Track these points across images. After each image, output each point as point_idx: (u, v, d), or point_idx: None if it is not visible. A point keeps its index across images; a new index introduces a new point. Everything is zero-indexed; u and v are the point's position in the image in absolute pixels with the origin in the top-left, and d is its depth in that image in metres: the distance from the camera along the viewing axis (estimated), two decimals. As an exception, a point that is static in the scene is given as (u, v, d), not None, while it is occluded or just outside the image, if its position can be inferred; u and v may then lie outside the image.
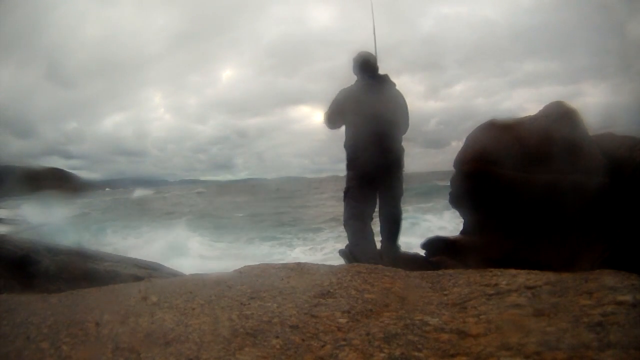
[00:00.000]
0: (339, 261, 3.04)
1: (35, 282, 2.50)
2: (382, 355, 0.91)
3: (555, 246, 2.37)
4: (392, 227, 2.72)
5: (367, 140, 2.52)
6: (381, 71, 2.75)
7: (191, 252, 8.75)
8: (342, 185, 2.71)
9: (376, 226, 2.80)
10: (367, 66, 2.67)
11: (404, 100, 2.71)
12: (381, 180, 2.62)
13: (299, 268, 1.82)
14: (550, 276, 1.28)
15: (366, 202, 2.59)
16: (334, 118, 2.70)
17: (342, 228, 2.76)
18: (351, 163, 2.62)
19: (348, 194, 2.62)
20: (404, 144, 2.72)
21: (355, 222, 2.56)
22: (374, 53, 2.75)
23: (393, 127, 2.60)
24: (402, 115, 2.68)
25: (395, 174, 2.65)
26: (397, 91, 2.70)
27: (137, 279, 2.47)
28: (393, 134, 2.61)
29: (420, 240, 3.07)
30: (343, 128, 2.74)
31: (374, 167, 2.54)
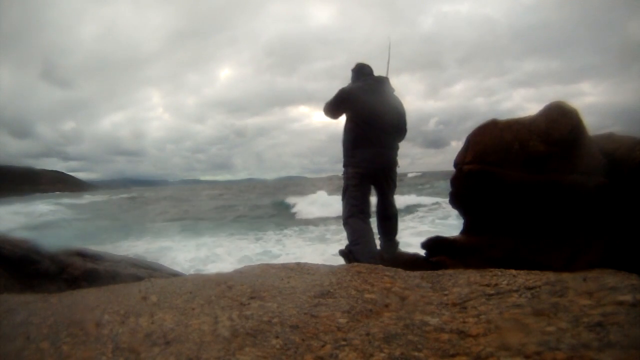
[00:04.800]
0: (339, 261, 3.04)
1: (35, 282, 2.51)
2: (382, 355, 0.91)
3: (555, 246, 2.36)
4: (390, 224, 2.80)
5: (367, 137, 2.56)
6: (382, 71, 2.81)
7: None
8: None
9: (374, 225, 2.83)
10: (363, 71, 2.75)
11: (402, 106, 2.76)
12: (380, 178, 2.66)
13: (299, 268, 1.82)
14: (550, 276, 1.28)
15: (365, 200, 2.60)
16: (335, 109, 2.72)
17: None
18: (350, 160, 2.63)
19: (347, 193, 2.62)
20: (400, 143, 2.78)
21: (355, 220, 2.55)
22: (388, 66, 2.83)
23: (392, 126, 2.65)
24: (399, 119, 2.73)
25: (392, 171, 2.71)
26: (396, 96, 2.75)
27: (137, 279, 2.47)
28: (392, 132, 2.66)
29: (420, 240, 3.08)
30: (342, 125, 2.76)
31: (374, 165, 2.58)
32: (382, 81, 2.72)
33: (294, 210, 15.78)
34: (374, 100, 2.57)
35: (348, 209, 2.59)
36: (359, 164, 2.58)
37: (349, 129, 2.64)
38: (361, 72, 2.77)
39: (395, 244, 2.87)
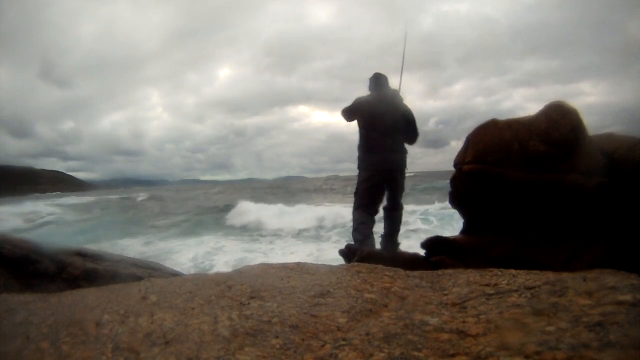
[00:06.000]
0: (339, 261, 3.05)
1: (35, 282, 2.50)
2: (382, 355, 0.91)
3: (555, 246, 2.36)
4: (393, 224, 3.04)
5: (377, 144, 2.90)
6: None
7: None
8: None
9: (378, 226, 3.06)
10: (379, 82, 3.07)
11: (412, 113, 3.05)
12: (388, 179, 2.95)
13: (299, 268, 1.82)
14: (550, 276, 1.28)
15: (374, 197, 2.94)
16: (350, 114, 3.06)
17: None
18: (362, 163, 2.99)
19: (359, 191, 2.99)
20: (410, 146, 3.09)
21: (362, 212, 2.93)
22: (401, 73, 3.21)
23: (399, 133, 2.95)
24: (408, 125, 3.00)
25: (400, 173, 2.98)
26: (405, 105, 3.06)
27: (137, 279, 2.47)
28: (399, 138, 2.96)
29: (420, 240, 3.09)
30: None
31: (382, 167, 2.90)
32: (393, 93, 3.07)
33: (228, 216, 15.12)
34: (383, 110, 2.92)
35: (357, 203, 2.98)
36: (370, 167, 2.94)
37: (362, 136, 2.99)
38: (377, 82, 3.08)
39: (396, 243, 3.04)
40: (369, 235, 2.92)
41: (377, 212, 2.97)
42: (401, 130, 2.95)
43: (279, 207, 15.24)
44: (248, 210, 15.04)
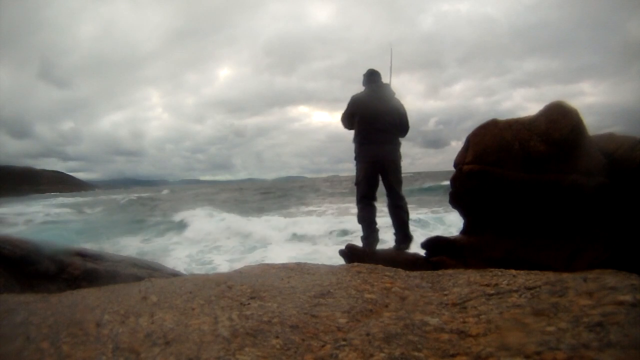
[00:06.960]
0: (339, 261, 3.05)
1: (35, 282, 2.50)
2: (382, 355, 0.91)
3: (555, 246, 2.36)
4: (400, 218, 3.14)
5: (369, 136, 3.06)
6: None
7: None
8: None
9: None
10: (371, 78, 3.25)
11: (403, 107, 3.21)
12: (381, 169, 3.10)
13: (299, 268, 1.83)
14: (550, 276, 1.28)
15: (371, 186, 3.15)
16: (347, 120, 3.27)
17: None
18: (358, 155, 3.17)
19: (357, 182, 3.19)
20: (403, 138, 3.24)
21: (362, 206, 3.18)
22: (390, 68, 3.41)
23: (391, 125, 3.09)
24: (400, 118, 3.15)
25: (393, 163, 3.11)
26: (397, 99, 3.22)
27: (137, 279, 2.47)
28: (391, 130, 3.09)
29: (420, 240, 3.09)
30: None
31: (374, 159, 3.08)
32: (385, 88, 3.23)
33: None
34: (376, 104, 3.09)
35: (358, 195, 3.21)
36: (363, 159, 3.13)
37: (356, 130, 3.16)
38: (370, 78, 3.25)
39: (408, 236, 3.13)
40: (371, 235, 3.10)
41: (375, 199, 3.19)
42: (393, 123, 3.10)
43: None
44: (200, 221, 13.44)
